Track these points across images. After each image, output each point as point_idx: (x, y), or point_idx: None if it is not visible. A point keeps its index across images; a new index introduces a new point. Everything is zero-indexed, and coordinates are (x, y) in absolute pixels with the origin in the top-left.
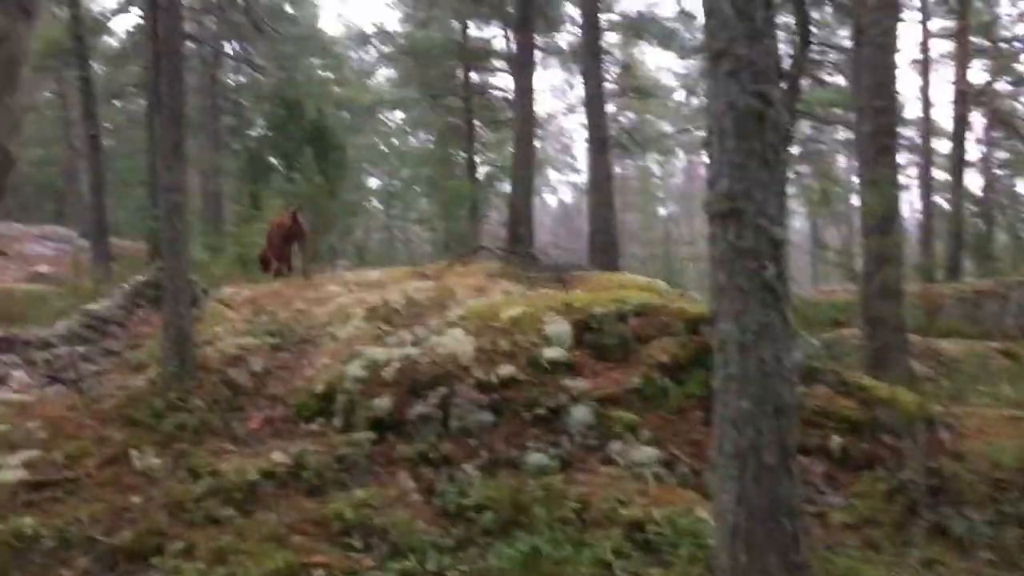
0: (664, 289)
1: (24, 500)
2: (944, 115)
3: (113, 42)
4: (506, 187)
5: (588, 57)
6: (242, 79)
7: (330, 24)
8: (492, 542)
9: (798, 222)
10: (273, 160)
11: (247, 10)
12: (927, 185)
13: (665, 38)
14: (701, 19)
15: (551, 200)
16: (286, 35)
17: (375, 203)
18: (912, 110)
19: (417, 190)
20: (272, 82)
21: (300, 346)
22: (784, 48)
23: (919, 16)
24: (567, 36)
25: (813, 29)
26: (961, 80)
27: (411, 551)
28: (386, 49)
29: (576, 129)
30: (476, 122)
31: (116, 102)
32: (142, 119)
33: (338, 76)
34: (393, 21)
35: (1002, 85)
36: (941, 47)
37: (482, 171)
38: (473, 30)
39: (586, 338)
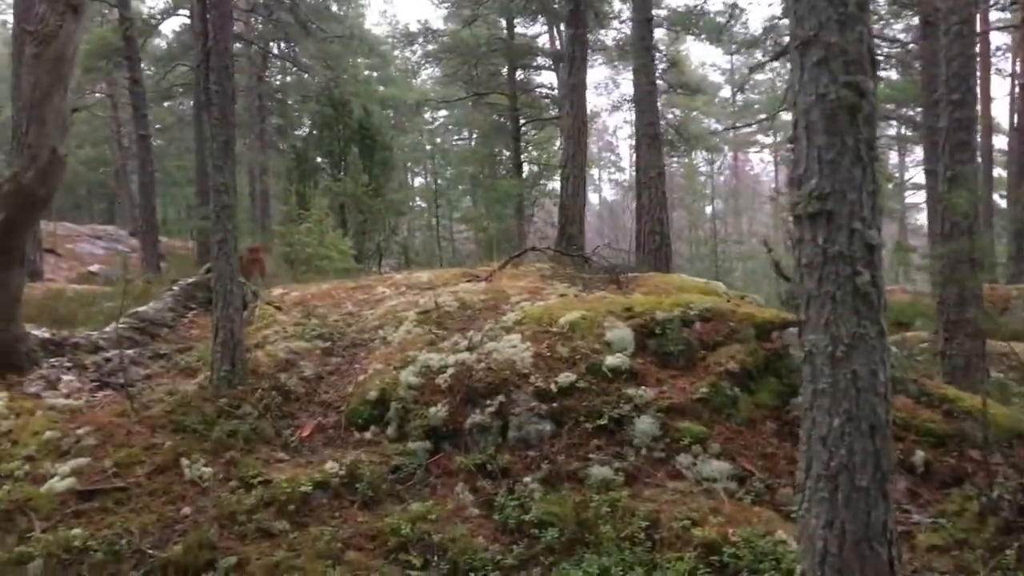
0: (723, 292)
1: (73, 510)
2: (1002, 110)
3: (161, 43)
4: (550, 186)
5: (641, 52)
6: (288, 79)
7: (375, 23)
8: (556, 561)
9: None
10: (319, 160)
11: (293, 9)
12: (988, 183)
13: (714, 33)
14: (750, 13)
15: (593, 198)
16: (332, 34)
17: (419, 202)
18: None
19: (460, 189)
20: (318, 82)
21: (351, 350)
22: None
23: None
24: (612, 33)
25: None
26: (1021, 74)
27: (471, 570)
28: (431, 47)
29: (621, 126)
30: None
31: (165, 103)
32: (190, 119)
33: (383, 75)
34: (438, 19)
35: None
36: (999, 40)
37: (525, 170)
38: (519, 28)
39: (649, 344)
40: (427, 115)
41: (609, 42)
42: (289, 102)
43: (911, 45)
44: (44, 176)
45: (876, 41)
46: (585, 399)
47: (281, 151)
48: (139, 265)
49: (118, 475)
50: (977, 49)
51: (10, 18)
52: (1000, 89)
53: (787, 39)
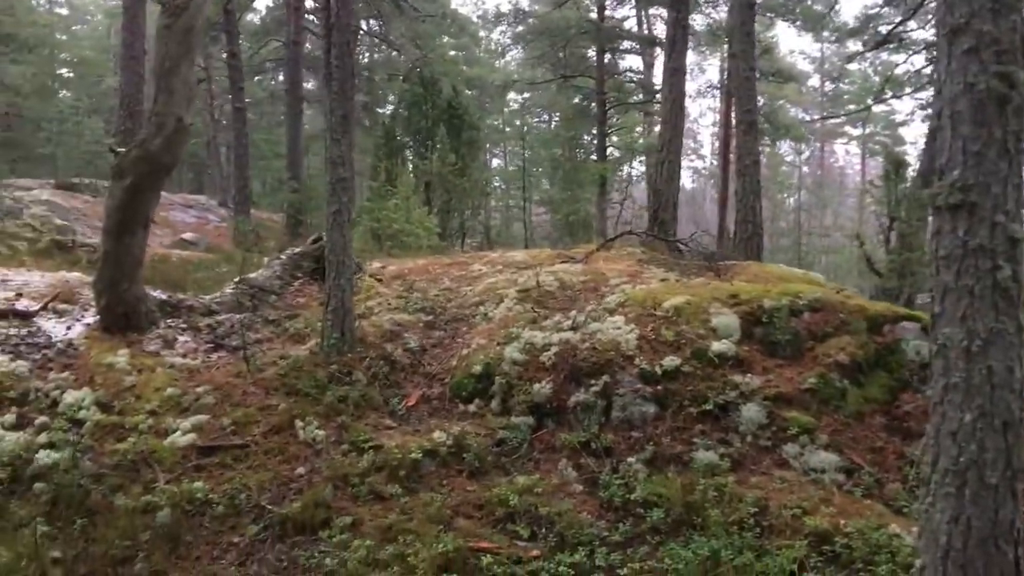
0: (823, 283)
1: (194, 464)
2: None
3: (255, 19)
4: (629, 170)
5: (742, 37)
6: (376, 56)
7: (461, 2)
8: (663, 540)
9: None
10: (406, 138)
11: None
12: None
13: (813, 21)
14: (844, 2)
15: None
16: (423, 13)
17: (497, 183)
18: None
19: (538, 171)
20: (404, 60)
21: (453, 324)
22: None
23: None
24: (700, 18)
25: None
26: None
27: (578, 544)
28: (520, 28)
29: (704, 113)
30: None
31: (255, 77)
32: (281, 94)
33: (468, 55)
34: (527, 0)
35: None
36: None
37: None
38: (608, 10)
39: (755, 332)
40: (510, 96)
41: (698, 27)
42: (376, 79)
43: None
44: (170, 143)
45: None
46: (690, 383)
47: (367, 128)
48: (231, 235)
49: (236, 433)
50: None
51: None
52: None
53: (885, 29)
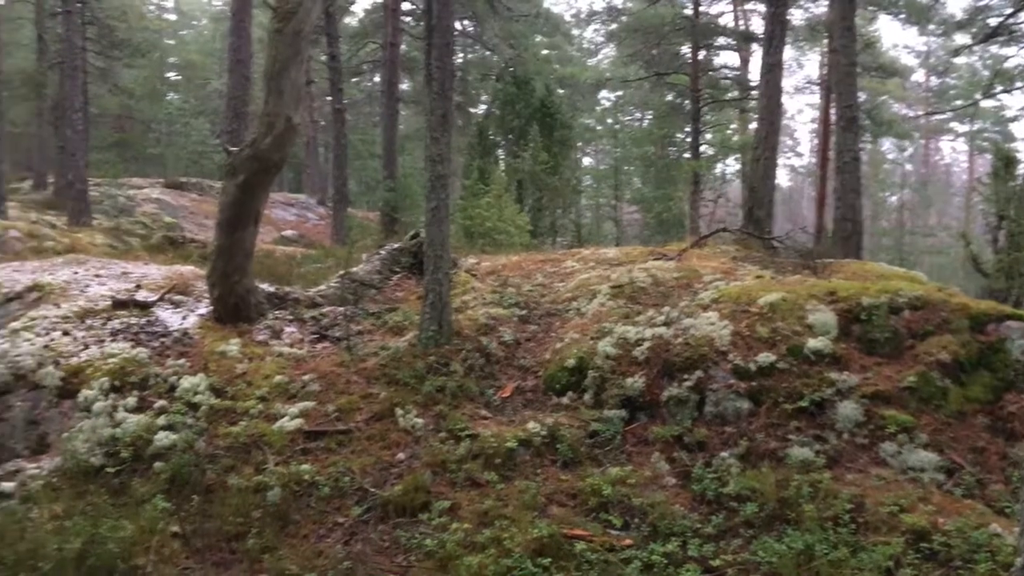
0: (925, 281)
1: (301, 447)
2: None
3: (352, 22)
4: (721, 168)
5: (843, 32)
6: (469, 56)
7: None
8: (756, 534)
9: None
10: (498, 137)
11: None
12: None
13: (918, 14)
14: None
15: None
16: (517, 13)
17: (588, 181)
18: None
19: (629, 169)
20: (497, 60)
21: (546, 319)
22: None
23: None
24: (798, 12)
25: None
26: None
27: (671, 535)
28: (613, 26)
29: (802, 110)
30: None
31: (352, 79)
32: (378, 95)
33: (560, 54)
34: None
35: None
36: None
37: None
38: (702, 6)
39: (853, 329)
40: (602, 95)
41: (796, 21)
42: (469, 79)
43: None
44: (279, 143)
45: None
46: (785, 380)
47: (460, 127)
48: (330, 232)
49: (340, 419)
50: None
51: None
52: None
53: (995, 21)
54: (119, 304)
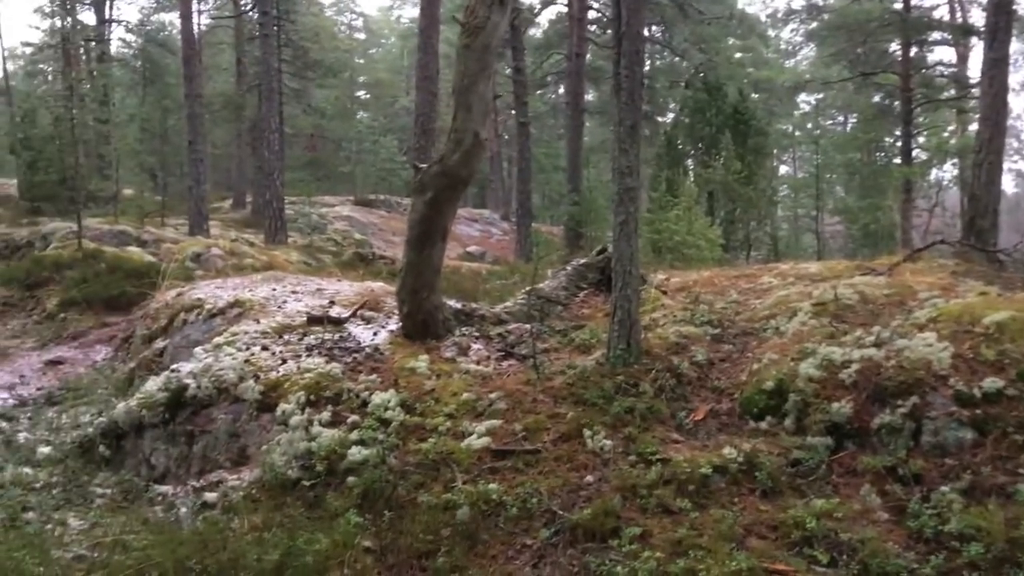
0: None
1: (489, 466)
2: None
3: (536, 33)
4: (937, 174)
5: None
6: (657, 63)
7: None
8: None
9: None
10: (687, 146)
11: None
12: None
13: None
14: None
15: None
16: (709, 15)
17: (785, 191)
18: None
19: (831, 178)
20: (686, 66)
21: (741, 338)
22: None
23: None
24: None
25: None
26: None
27: (884, 574)
28: (814, 25)
29: None
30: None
31: (536, 91)
32: (562, 107)
33: (755, 56)
34: None
35: None
36: None
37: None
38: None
39: None
40: (801, 98)
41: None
42: (657, 87)
43: None
44: (467, 158)
45: None
46: (1015, 408)
47: (647, 137)
48: (514, 247)
49: (527, 439)
50: None
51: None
52: None
53: None
54: (314, 320)
